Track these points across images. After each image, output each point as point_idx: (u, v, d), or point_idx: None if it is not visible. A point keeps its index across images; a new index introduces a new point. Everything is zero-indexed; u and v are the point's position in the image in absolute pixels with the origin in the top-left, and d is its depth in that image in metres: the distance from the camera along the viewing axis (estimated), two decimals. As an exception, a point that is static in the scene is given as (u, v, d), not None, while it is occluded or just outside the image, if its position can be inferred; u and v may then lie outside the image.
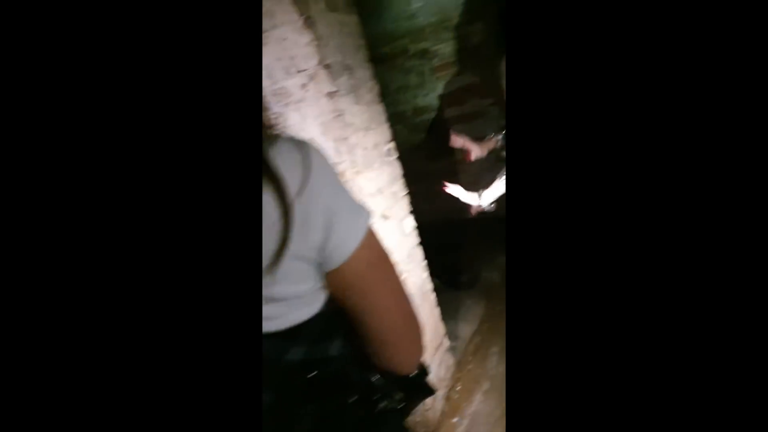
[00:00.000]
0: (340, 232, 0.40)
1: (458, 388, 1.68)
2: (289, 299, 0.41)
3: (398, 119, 2.96)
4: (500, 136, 1.55)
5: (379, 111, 1.36)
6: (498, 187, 1.54)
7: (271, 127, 0.87)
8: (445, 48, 2.82)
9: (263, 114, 0.41)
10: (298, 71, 1.08)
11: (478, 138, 1.63)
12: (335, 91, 1.11)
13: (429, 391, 0.57)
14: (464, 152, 1.61)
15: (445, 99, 2.95)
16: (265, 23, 1.02)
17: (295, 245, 0.38)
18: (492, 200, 1.57)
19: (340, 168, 1.16)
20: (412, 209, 1.49)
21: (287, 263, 0.38)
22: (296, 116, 1.12)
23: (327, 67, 1.08)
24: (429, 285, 1.60)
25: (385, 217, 1.32)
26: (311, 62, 1.06)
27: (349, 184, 1.18)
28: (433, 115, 3.02)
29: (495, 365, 1.74)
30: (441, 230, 2.23)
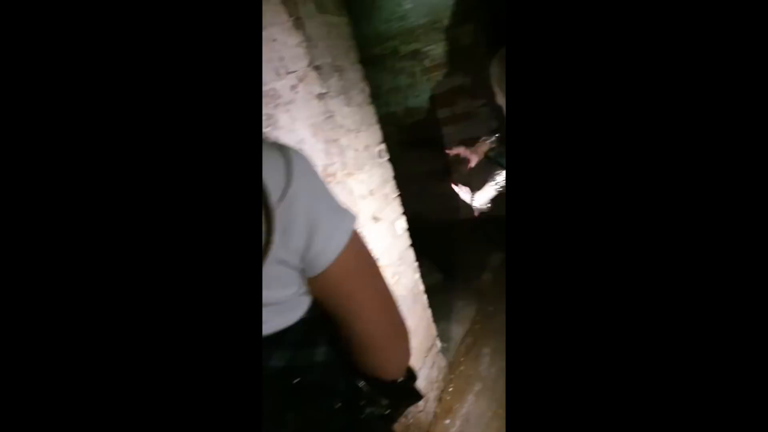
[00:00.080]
0: (322, 238, 0.40)
1: (450, 389, 1.68)
2: (273, 305, 0.40)
3: (389, 120, 2.96)
4: (493, 138, 1.55)
5: (369, 112, 1.35)
6: (491, 188, 1.55)
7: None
8: (436, 49, 2.82)
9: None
10: (288, 73, 1.07)
11: (471, 140, 1.64)
12: (325, 93, 1.10)
13: (416, 396, 0.56)
14: (463, 161, 1.63)
15: (436, 100, 2.96)
16: (254, 24, 1.01)
17: (277, 251, 0.37)
18: (485, 201, 1.57)
19: (330, 170, 1.16)
20: (403, 210, 1.49)
21: (269, 268, 0.38)
22: (286, 118, 1.11)
23: (317, 68, 1.08)
24: (421, 287, 1.60)
25: (376, 218, 1.32)
26: (301, 64, 1.06)
27: (340, 186, 1.17)
28: (424, 116, 3.03)
29: (487, 366, 1.75)
30: (433, 231, 2.24)
